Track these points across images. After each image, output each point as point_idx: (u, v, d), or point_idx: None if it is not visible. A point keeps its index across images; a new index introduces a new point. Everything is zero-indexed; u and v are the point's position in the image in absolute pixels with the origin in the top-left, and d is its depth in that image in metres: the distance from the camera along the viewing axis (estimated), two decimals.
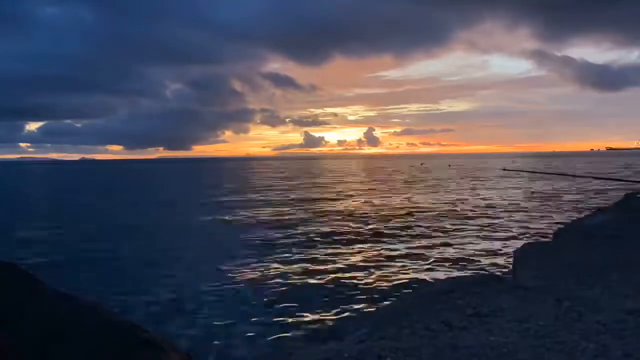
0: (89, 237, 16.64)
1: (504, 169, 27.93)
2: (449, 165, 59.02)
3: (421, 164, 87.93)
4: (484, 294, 5.69)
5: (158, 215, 22.96)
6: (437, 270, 10.90)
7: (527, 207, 22.56)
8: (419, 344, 4.26)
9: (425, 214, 20.95)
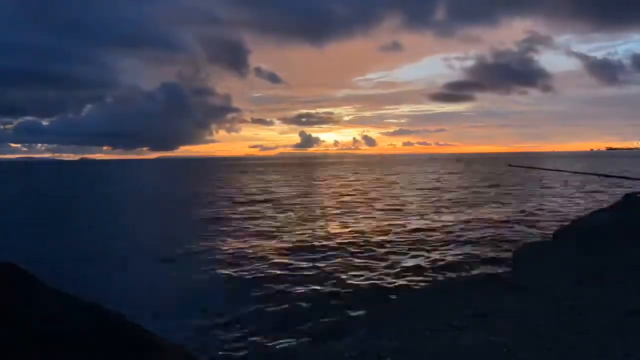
0: (90, 237, 16.65)
1: (510, 165, 28.28)
2: (457, 160, 59.27)
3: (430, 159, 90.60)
4: (484, 294, 5.70)
5: (162, 218, 22.96)
6: (437, 271, 10.89)
7: (527, 207, 22.55)
8: (419, 344, 4.27)
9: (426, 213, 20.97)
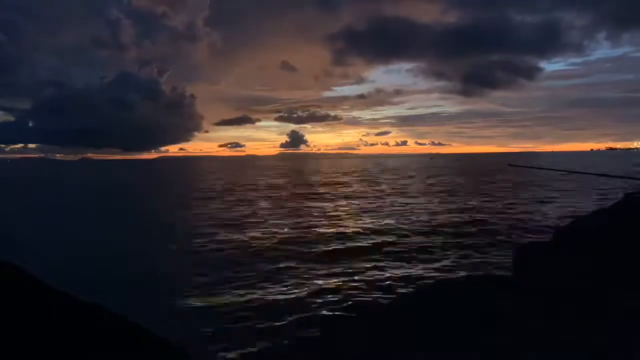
0: (90, 237, 16.64)
1: (510, 165, 28.30)
2: (457, 160, 60.05)
3: (430, 158, 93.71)
4: (484, 295, 5.70)
5: (159, 219, 22.95)
6: (437, 272, 10.90)
7: (527, 208, 22.55)
8: (418, 345, 4.27)
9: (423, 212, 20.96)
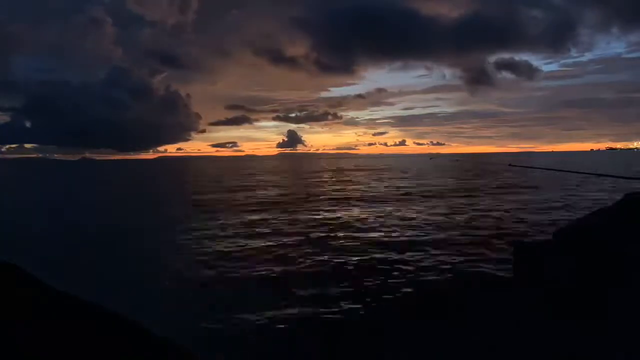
0: (89, 237, 16.64)
1: (510, 165, 28.06)
2: (457, 160, 60.10)
3: (430, 159, 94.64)
4: (484, 294, 5.71)
5: (157, 218, 22.94)
6: (436, 271, 10.90)
7: (527, 207, 22.56)
8: (418, 344, 4.28)
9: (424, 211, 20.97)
